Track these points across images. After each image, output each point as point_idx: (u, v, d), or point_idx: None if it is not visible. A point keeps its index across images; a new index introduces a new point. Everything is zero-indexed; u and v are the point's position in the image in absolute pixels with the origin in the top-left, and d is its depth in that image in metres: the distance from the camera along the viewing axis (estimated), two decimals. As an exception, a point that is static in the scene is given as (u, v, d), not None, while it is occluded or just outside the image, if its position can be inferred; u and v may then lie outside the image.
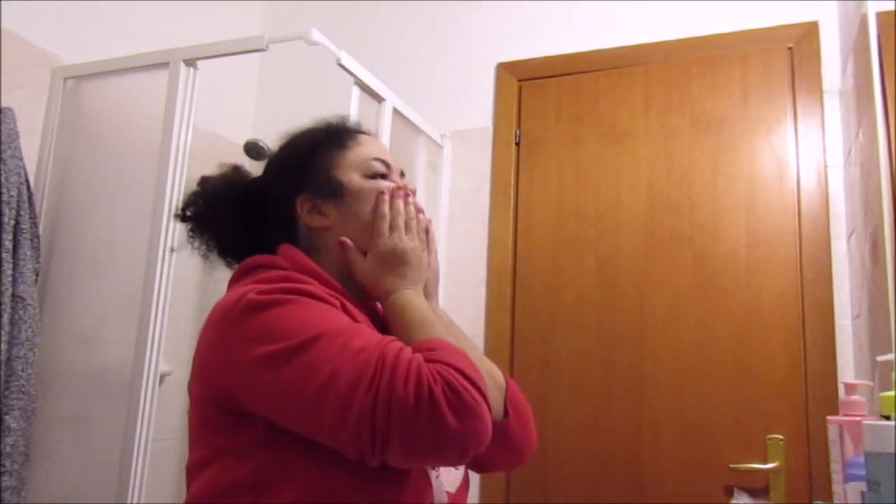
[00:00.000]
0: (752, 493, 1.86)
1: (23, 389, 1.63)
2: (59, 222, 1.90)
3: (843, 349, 1.87)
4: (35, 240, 1.76)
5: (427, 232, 1.02)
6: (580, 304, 2.16)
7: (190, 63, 1.83)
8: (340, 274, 0.97)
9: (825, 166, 1.98)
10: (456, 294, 2.32)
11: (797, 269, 1.96)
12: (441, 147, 2.39)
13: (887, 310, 1.31)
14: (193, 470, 0.88)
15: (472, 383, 0.77)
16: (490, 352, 2.22)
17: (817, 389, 1.88)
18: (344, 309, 0.88)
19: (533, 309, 2.22)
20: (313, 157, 1.01)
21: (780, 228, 2.00)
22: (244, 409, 0.83)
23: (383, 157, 1.03)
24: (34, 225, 1.76)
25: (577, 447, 2.08)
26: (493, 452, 0.95)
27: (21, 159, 1.73)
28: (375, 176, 1.00)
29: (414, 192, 1.03)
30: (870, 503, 0.76)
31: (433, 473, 0.89)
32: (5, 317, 1.62)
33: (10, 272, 1.64)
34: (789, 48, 2.09)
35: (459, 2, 2.53)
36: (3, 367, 1.60)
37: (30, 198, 1.75)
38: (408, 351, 0.79)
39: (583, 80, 2.30)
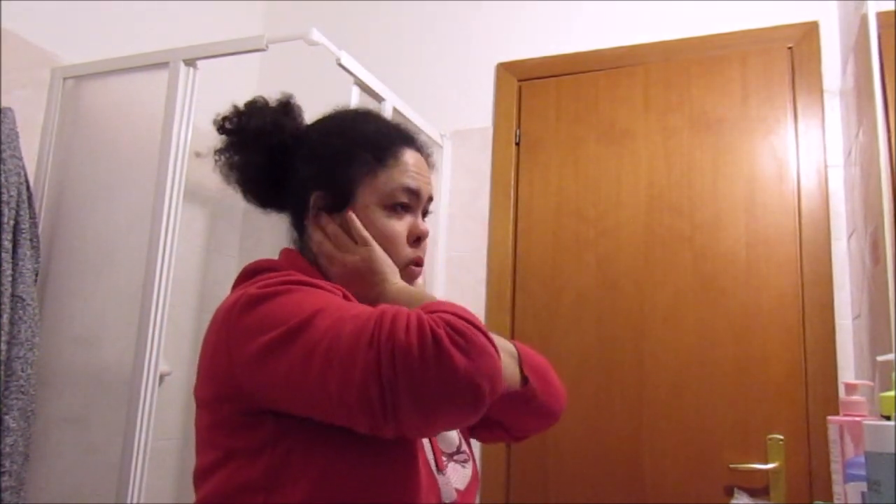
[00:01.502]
0: (752, 493, 1.86)
1: (22, 389, 1.63)
2: (59, 222, 1.90)
3: (843, 349, 1.87)
4: (35, 240, 1.76)
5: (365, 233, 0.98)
6: (580, 303, 2.16)
7: (190, 63, 1.83)
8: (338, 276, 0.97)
9: (825, 166, 1.98)
10: (456, 294, 2.32)
11: (797, 269, 1.96)
12: (441, 147, 2.39)
13: (887, 310, 1.31)
14: (202, 474, 0.87)
15: (474, 325, 0.74)
16: (490, 352, 2.22)
17: (817, 389, 1.88)
18: (346, 298, 0.88)
19: (533, 309, 2.22)
20: (347, 159, 0.97)
21: (780, 228, 2.00)
22: (257, 405, 0.82)
23: (414, 185, 0.98)
24: (34, 225, 1.76)
25: (577, 447, 2.08)
26: (524, 418, 0.98)
27: (21, 159, 1.73)
28: (395, 208, 0.97)
29: (426, 234, 1.00)
30: (870, 503, 0.76)
31: (440, 475, 0.89)
32: (5, 317, 1.62)
33: (9, 272, 1.64)
34: (789, 48, 2.09)
35: (459, 2, 2.53)
36: (2, 367, 1.60)
37: (29, 198, 1.75)
38: (401, 309, 0.76)
39: (583, 80, 2.30)
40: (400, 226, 0.97)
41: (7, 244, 1.65)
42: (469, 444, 1.01)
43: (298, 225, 1.01)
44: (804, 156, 2.01)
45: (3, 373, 1.60)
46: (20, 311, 1.65)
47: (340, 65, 1.83)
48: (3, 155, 1.67)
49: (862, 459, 0.83)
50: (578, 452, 2.07)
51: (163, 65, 1.84)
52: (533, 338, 2.20)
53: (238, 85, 2.63)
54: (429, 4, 2.58)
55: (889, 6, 1.38)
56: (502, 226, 2.30)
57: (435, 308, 0.77)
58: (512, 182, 2.32)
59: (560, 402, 1.01)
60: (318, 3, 2.69)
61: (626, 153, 2.20)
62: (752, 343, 1.96)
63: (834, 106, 2.01)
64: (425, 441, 0.89)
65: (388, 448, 0.80)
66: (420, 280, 1.03)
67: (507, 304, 2.24)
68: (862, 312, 1.70)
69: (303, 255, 0.99)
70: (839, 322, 1.89)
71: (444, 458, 0.92)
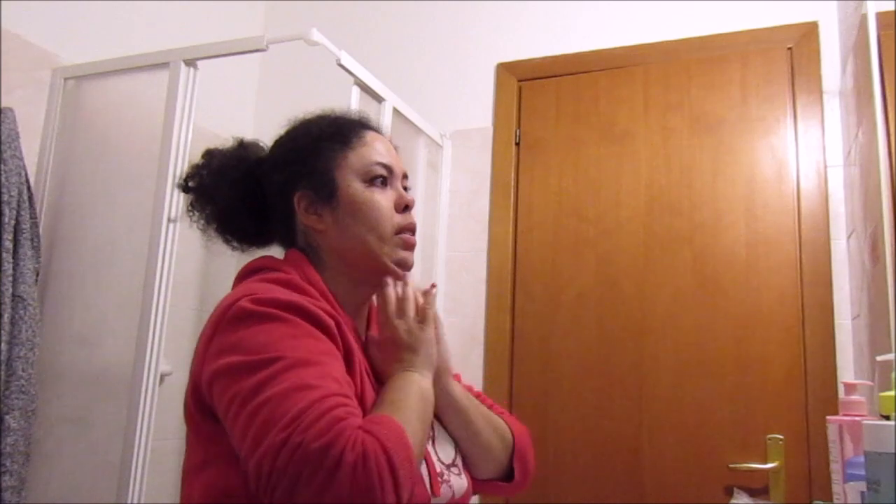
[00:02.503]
0: (752, 493, 1.86)
1: (23, 389, 1.63)
2: (59, 222, 1.90)
3: (842, 349, 1.87)
4: (35, 240, 1.76)
5: (432, 315, 1.00)
6: (580, 304, 2.16)
7: (190, 63, 1.83)
8: (339, 281, 0.97)
9: (825, 166, 1.98)
10: (456, 294, 2.32)
11: (797, 269, 1.96)
12: (441, 147, 2.39)
13: (887, 310, 1.31)
14: (188, 472, 0.89)
15: (392, 469, 0.72)
16: (490, 352, 2.22)
17: (817, 389, 1.88)
18: (339, 328, 0.88)
19: (533, 309, 2.22)
20: (315, 152, 0.99)
21: (780, 228, 2.00)
22: (214, 413, 0.83)
23: (386, 160, 1.00)
24: (34, 225, 1.76)
25: (577, 447, 2.08)
26: (493, 492, 1.05)
27: (21, 159, 1.73)
28: (375, 181, 0.98)
29: (413, 203, 1.01)
30: (869, 503, 0.77)
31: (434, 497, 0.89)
32: (5, 317, 1.62)
33: (10, 272, 1.65)
34: (789, 48, 2.09)
35: (459, 2, 2.53)
36: (3, 366, 1.60)
37: (30, 198, 1.75)
38: (346, 410, 0.75)
39: (583, 80, 2.31)
40: (384, 197, 0.99)
41: (8, 244, 1.65)
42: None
43: (288, 239, 1.02)
44: (804, 156, 2.01)
45: (3, 372, 1.60)
46: (21, 311, 1.65)
47: (340, 65, 1.83)
48: (4, 155, 1.67)
49: (861, 459, 0.83)
50: (578, 452, 2.07)
51: (163, 65, 1.84)
52: (533, 338, 2.20)
53: (238, 85, 2.63)
54: (429, 4, 2.58)
55: (889, 6, 1.38)
56: (502, 226, 2.30)
57: (375, 430, 0.74)
58: (512, 182, 2.32)
59: (525, 485, 1.06)
60: (318, 3, 2.70)
61: (626, 153, 2.20)
62: (751, 343, 1.97)
63: (833, 106, 2.01)
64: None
65: None
66: (441, 337, 1.01)
67: (507, 304, 2.24)
68: (861, 312, 1.70)
69: (307, 257, 0.99)
70: (839, 322, 1.89)
71: (439, 479, 0.91)
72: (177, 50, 1.84)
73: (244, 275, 0.97)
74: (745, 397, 1.94)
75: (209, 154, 1.05)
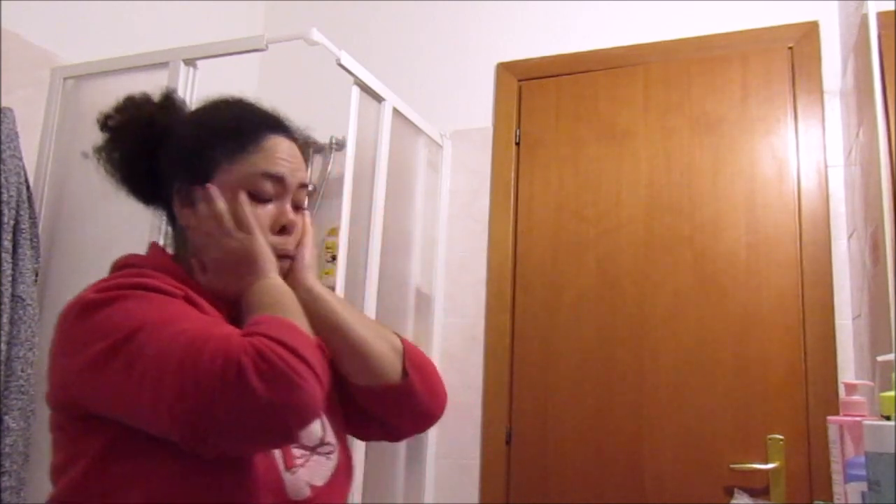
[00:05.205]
0: (753, 493, 1.86)
1: (22, 389, 1.63)
2: (59, 222, 1.90)
3: (843, 349, 1.87)
4: (35, 240, 1.76)
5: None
6: (580, 304, 2.16)
7: (190, 63, 1.83)
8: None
9: (825, 166, 1.98)
10: (456, 294, 2.32)
11: (797, 269, 1.96)
12: (441, 147, 2.39)
13: (887, 310, 1.31)
14: (54, 473, 0.87)
15: (292, 351, 0.71)
16: (490, 352, 2.22)
17: (817, 389, 1.87)
18: (189, 300, 0.85)
19: (533, 309, 2.22)
20: (207, 146, 0.93)
21: (780, 228, 2.00)
22: (89, 412, 0.82)
23: (277, 171, 0.92)
24: (34, 225, 1.76)
25: (577, 447, 2.08)
26: (399, 415, 0.97)
27: (21, 159, 1.73)
28: (255, 196, 0.91)
29: (292, 225, 0.94)
30: (870, 503, 0.76)
31: (287, 473, 0.84)
32: (5, 317, 1.62)
33: (9, 272, 1.64)
34: (789, 48, 2.09)
35: (459, 2, 2.53)
36: (2, 367, 1.60)
37: (29, 198, 1.75)
38: (222, 330, 0.76)
39: (583, 80, 2.30)
40: (262, 214, 0.91)
41: (7, 244, 1.65)
42: (339, 434, 0.96)
43: (172, 220, 0.98)
44: (804, 156, 2.01)
45: (3, 373, 1.60)
46: (20, 311, 1.65)
47: (340, 65, 1.83)
48: (3, 155, 1.67)
49: (862, 459, 0.83)
50: (578, 452, 2.07)
51: (163, 65, 1.84)
52: (533, 338, 2.20)
53: (238, 85, 2.61)
54: (429, 4, 2.58)
55: (889, 6, 1.38)
56: (502, 226, 2.30)
57: (256, 329, 0.74)
58: (512, 182, 2.32)
59: (439, 404, 0.99)
60: (318, 3, 2.69)
61: (626, 153, 2.20)
62: (752, 343, 1.96)
63: (834, 106, 2.01)
64: None
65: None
66: (306, 266, 0.95)
67: (507, 304, 2.24)
68: (862, 312, 1.70)
69: (168, 250, 0.97)
70: (839, 322, 1.89)
71: (298, 456, 0.87)
72: (176, 49, 1.84)
73: (110, 270, 0.95)
74: (745, 397, 1.94)
75: (131, 100, 0.98)
